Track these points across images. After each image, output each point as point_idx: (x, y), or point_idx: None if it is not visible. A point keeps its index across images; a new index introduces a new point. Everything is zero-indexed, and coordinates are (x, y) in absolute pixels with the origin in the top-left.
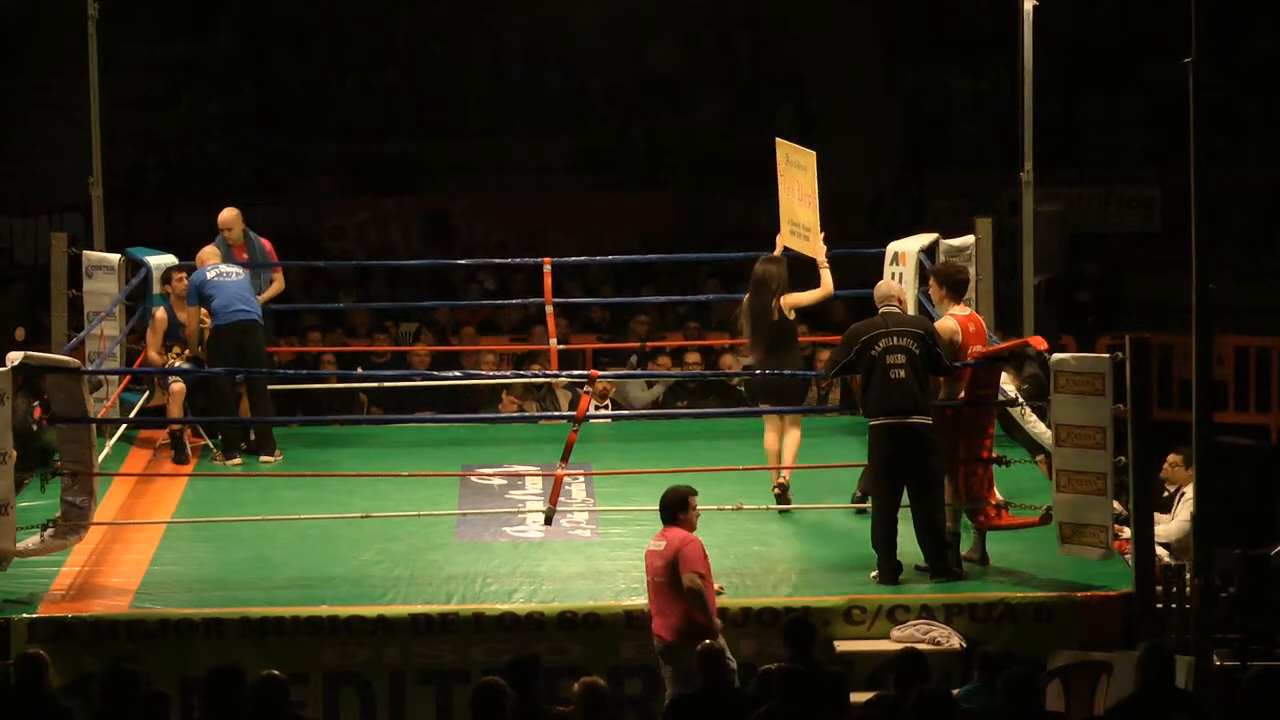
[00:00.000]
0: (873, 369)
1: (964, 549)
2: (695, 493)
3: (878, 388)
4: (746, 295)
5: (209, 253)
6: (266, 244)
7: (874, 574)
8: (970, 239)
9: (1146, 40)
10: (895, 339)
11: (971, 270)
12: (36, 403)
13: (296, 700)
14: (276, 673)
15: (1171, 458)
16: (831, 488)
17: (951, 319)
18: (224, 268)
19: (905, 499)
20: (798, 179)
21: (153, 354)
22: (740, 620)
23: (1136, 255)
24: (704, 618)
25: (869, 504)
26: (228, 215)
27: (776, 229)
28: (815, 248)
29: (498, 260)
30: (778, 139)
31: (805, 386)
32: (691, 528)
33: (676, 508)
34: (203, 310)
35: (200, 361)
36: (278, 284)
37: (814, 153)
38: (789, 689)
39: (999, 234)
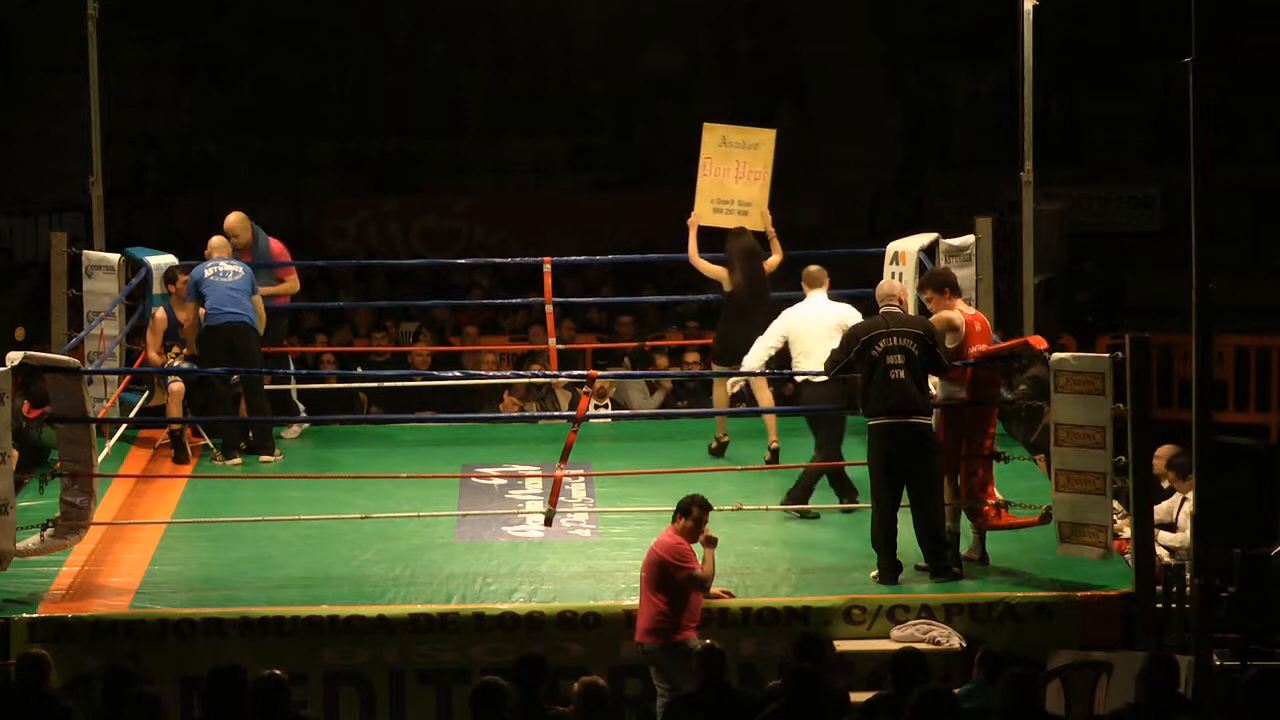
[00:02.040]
0: (873, 369)
1: (964, 549)
2: (706, 507)
3: (878, 388)
4: (739, 270)
5: (218, 244)
6: (276, 244)
7: (874, 574)
8: (970, 239)
9: (1146, 40)
10: (895, 339)
11: (971, 270)
12: (25, 399)
13: (297, 700)
14: (278, 672)
15: (1158, 464)
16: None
17: (956, 312)
18: (224, 265)
19: (905, 499)
20: (739, 158)
21: (152, 354)
22: (740, 620)
23: (1136, 255)
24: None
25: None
26: (233, 221)
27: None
28: (762, 221)
29: (498, 260)
30: (706, 124)
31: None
32: (689, 537)
33: (677, 510)
34: (201, 309)
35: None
36: (287, 284)
37: (773, 131)
38: (791, 689)
39: (999, 234)
